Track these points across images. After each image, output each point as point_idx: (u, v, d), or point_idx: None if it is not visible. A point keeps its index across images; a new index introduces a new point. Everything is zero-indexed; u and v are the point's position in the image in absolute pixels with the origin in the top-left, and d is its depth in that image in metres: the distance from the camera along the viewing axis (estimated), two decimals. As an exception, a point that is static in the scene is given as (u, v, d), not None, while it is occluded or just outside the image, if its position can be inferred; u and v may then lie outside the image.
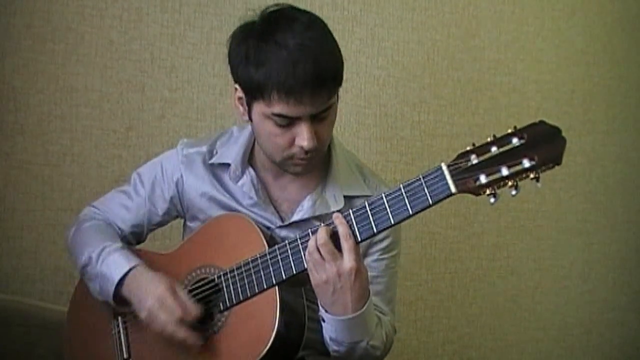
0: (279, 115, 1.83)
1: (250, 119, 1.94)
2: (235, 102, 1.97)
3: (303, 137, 1.85)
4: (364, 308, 1.82)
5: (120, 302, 2.02)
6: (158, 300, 1.90)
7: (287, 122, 1.85)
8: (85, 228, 2.17)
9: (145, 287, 1.94)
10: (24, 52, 2.70)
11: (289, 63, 1.79)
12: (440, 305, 3.25)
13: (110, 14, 2.78)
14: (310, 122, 1.85)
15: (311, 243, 1.79)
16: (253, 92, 1.86)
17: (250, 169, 2.06)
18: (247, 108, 1.93)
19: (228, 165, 2.08)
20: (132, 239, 2.21)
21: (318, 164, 2.03)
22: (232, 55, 1.92)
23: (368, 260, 2.04)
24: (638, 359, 3.67)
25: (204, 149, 2.13)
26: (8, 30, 2.69)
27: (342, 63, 1.90)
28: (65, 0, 2.73)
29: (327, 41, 1.89)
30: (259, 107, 1.87)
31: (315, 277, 1.79)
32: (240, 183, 2.05)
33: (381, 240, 2.04)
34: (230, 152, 2.09)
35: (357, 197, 2.05)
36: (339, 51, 1.90)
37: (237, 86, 1.94)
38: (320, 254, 1.77)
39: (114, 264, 2.01)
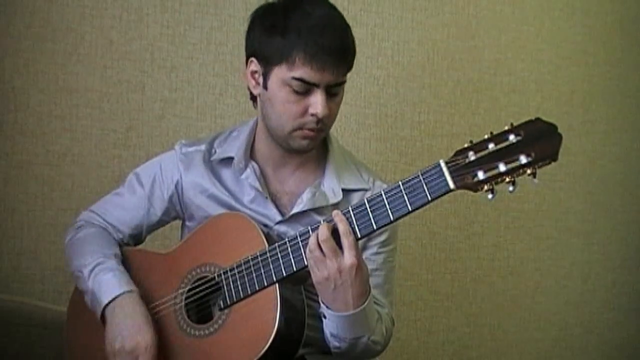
0: (299, 79, 1.90)
1: (265, 87, 1.97)
2: (247, 76, 2.03)
3: (317, 105, 1.91)
4: (365, 304, 1.84)
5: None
6: (134, 350, 1.91)
7: (305, 89, 1.91)
8: (81, 238, 2.17)
9: (128, 324, 1.94)
10: (24, 52, 2.71)
11: (318, 29, 1.88)
12: (440, 305, 3.25)
13: (110, 14, 2.78)
14: (325, 93, 1.92)
15: (312, 240, 1.80)
16: (275, 57, 1.92)
17: (253, 162, 2.08)
18: (262, 79, 1.98)
19: (229, 161, 2.10)
20: (131, 241, 2.22)
21: (316, 147, 2.06)
22: (255, 28, 2.00)
23: (366, 254, 2.06)
24: (638, 359, 3.66)
25: (203, 147, 2.16)
26: (8, 30, 2.69)
27: (356, 46, 2.00)
28: (65, 0, 2.73)
29: (348, 24, 1.99)
30: (279, 72, 1.92)
31: (317, 274, 1.81)
32: (244, 175, 2.07)
33: (379, 234, 2.06)
34: (232, 147, 2.11)
35: (355, 190, 2.08)
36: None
37: (252, 59, 2.00)
38: (321, 251, 1.78)
39: (106, 285, 2.01)
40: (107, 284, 2.00)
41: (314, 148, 2.03)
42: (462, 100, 3.24)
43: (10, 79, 2.70)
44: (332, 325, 1.88)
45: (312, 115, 1.92)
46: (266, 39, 1.94)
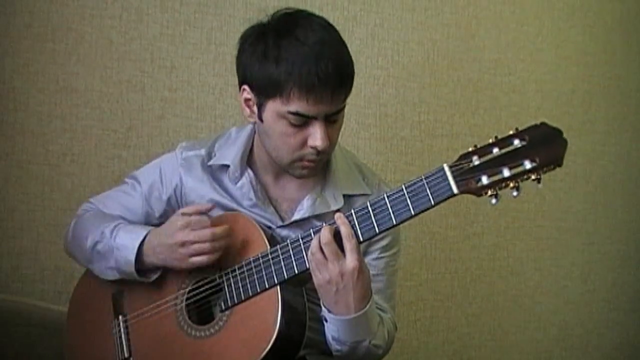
0: (295, 113, 1.84)
1: (261, 119, 1.93)
2: (241, 104, 1.97)
3: (317, 137, 1.86)
4: (367, 307, 1.83)
5: (141, 271, 2.03)
6: (184, 227, 1.92)
7: (302, 122, 1.85)
8: (89, 216, 2.19)
9: (165, 233, 1.97)
10: (24, 52, 2.70)
11: (312, 59, 1.80)
12: (440, 305, 3.25)
13: (110, 14, 2.78)
14: (324, 123, 1.86)
15: (314, 243, 1.80)
16: (269, 90, 1.85)
17: (249, 170, 2.06)
18: (256, 109, 1.92)
19: (227, 166, 2.08)
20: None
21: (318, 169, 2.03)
22: (245, 54, 1.92)
23: (368, 259, 2.05)
24: (638, 359, 3.67)
25: (203, 151, 2.14)
26: (8, 30, 2.69)
27: (354, 66, 1.92)
28: (65, 0, 2.73)
29: (343, 42, 1.91)
30: (274, 106, 1.87)
31: (318, 277, 1.80)
32: (239, 184, 2.05)
33: (381, 239, 2.05)
34: (229, 153, 2.09)
35: (357, 195, 2.07)
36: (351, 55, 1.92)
37: (245, 87, 1.93)
38: (323, 254, 1.78)
39: (130, 232, 2.03)
40: (132, 231, 2.04)
41: (314, 175, 2.01)
42: (462, 100, 3.24)
43: (10, 79, 2.70)
44: (333, 329, 1.88)
45: (312, 147, 1.88)
46: (258, 68, 1.87)
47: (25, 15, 2.70)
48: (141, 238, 2.00)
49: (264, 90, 1.87)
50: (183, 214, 1.95)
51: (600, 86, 3.51)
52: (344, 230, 1.77)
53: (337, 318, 1.84)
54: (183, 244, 1.91)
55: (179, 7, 2.85)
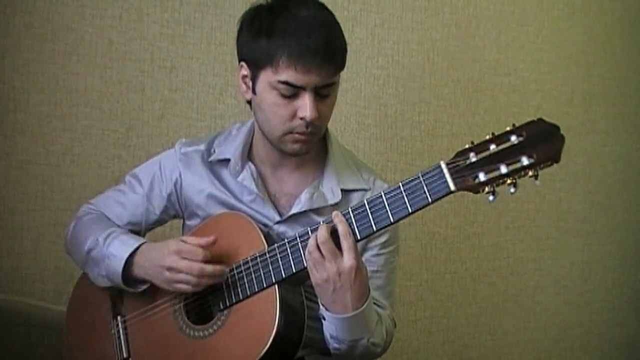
0: (285, 82, 1.87)
1: (254, 92, 1.96)
2: (239, 81, 2.02)
3: (305, 108, 1.89)
4: (364, 306, 1.83)
5: (129, 281, 2.03)
6: (176, 253, 1.91)
7: (292, 92, 1.89)
8: (88, 219, 2.19)
9: (157, 252, 1.96)
10: (24, 52, 2.70)
11: (302, 31, 1.85)
12: (440, 305, 3.25)
13: (110, 14, 2.78)
14: (313, 95, 1.89)
15: (311, 242, 1.80)
16: (261, 61, 1.90)
17: (250, 164, 2.08)
18: (251, 83, 1.96)
19: (227, 161, 2.09)
20: (130, 238, 2.22)
21: (315, 148, 2.05)
22: (243, 32, 1.99)
23: (367, 255, 2.05)
24: (638, 359, 3.66)
25: (202, 147, 2.15)
26: (8, 30, 2.69)
27: (346, 45, 1.97)
28: (65, 0, 2.73)
29: (337, 22, 1.96)
30: (265, 76, 1.91)
31: (316, 276, 1.80)
32: (240, 177, 2.07)
33: (380, 236, 2.05)
34: (230, 148, 2.11)
35: (354, 190, 2.07)
36: (344, 35, 1.97)
37: (242, 64, 1.98)
38: (321, 253, 1.78)
39: (122, 243, 2.04)
40: (124, 242, 2.04)
41: (308, 152, 2.01)
42: (462, 100, 3.24)
43: (10, 79, 2.70)
44: (331, 327, 1.88)
45: (301, 118, 1.90)
46: (252, 43, 1.93)
47: (25, 15, 2.70)
48: (132, 250, 2.01)
49: (257, 62, 1.92)
50: (181, 240, 1.95)
51: (600, 86, 3.52)
52: (341, 228, 1.77)
53: (334, 316, 1.84)
54: (170, 269, 1.92)
55: (179, 7, 2.85)
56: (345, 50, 1.95)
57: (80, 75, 2.76)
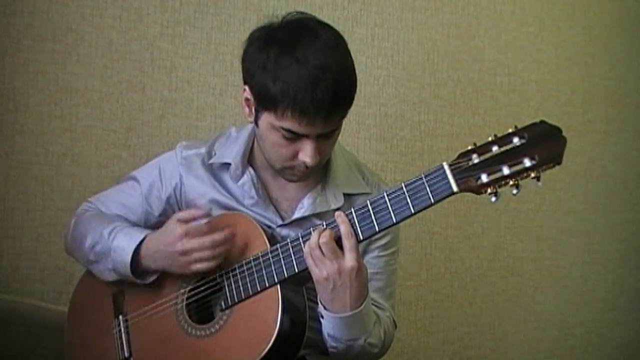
0: (287, 130, 1.84)
1: (256, 124, 1.94)
2: (242, 102, 1.98)
3: (307, 154, 1.86)
4: (362, 306, 1.84)
5: (137, 273, 2.02)
6: (183, 236, 1.91)
7: (294, 137, 1.86)
8: (89, 216, 2.18)
9: (164, 240, 1.96)
10: (24, 52, 2.70)
11: (308, 84, 1.78)
12: (440, 305, 3.25)
13: (110, 14, 2.78)
14: (316, 141, 1.86)
15: (313, 239, 1.80)
16: (265, 102, 1.85)
17: (250, 169, 2.06)
18: (254, 113, 1.93)
19: (228, 165, 2.08)
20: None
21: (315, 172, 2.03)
22: (250, 58, 1.91)
23: (368, 257, 2.05)
24: (638, 359, 3.66)
25: (203, 150, 2.14)
26: (8, 30, 2.69)
27: (357, 85, 1.90)
28: (65, 0, 2.73)
29: (348, 63, 1.89)
30: (268, 117, 1.87)
31: (316, 273, 1.81)
32: (240, 182, 2.06)
33: (380, 238, 2.05)
34: (230, 152, 2.09)
35: (357, 194, 2.07)
36: (355, 73, 1.90)
37: (246, 87, 1.93)
38: (322, 251, 1.78)
39: (128, 235, 2.03)
40: (129, 234, 2.03)
41: (307, 180, 2.01)
42: (462, 100, 3.24)
43: (10, 79, 2.70)
44: (329, 326, 1.88)
45: (302, 162, 1.89)
46: (259, 76, 1.86)
47: (25, 15, 2.70)
48: (138, 241, 2.00)
49: (261, 100, 1.87)
50: (179, 221, 1.94)
51: (600, 86, 3.52)
52: (344, 228, 1.78)
53: (332, 315, 1.85)
54: (184, 253, 1.91)
55: (179, 7, 2.85)
56: (353, 94, 1.89)
57: (80, 75, 2.77)
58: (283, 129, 1.84)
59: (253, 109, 1.94)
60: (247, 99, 1.95)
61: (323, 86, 1.78)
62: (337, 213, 1.80)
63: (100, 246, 2.06)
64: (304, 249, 1.83)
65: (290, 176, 1.96)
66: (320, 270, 1.79)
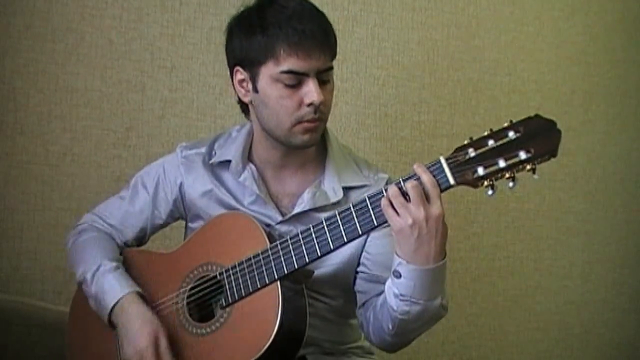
0: (288, 71, 1.89)
1: (256, 90, 1.96)
2: (236, 87, 2.02)
3: (312, 93, 1.90)
4: (445, 259, 1.77)
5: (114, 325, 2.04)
6: (137, 354, 1.93)
7: (296, 81, 1.90)
8: (83, 242, 2.18)
9: (130, 329, 1.97)
10: (24, 52, 2.71)
11: (295, 19, 1.89)
12: (440, 305, 3.24)
13: (110, 14, 2.78)
14: (316, 80, 1.91)
15: (394, 187, 1.73)
16: (260, 56, 1.92)
17: (251, 165, 2.08)
18: (251, 84, 1.97)
19: (228, 163, 2.10)
20: (134, 243, 2.23)
21: (317, 146, 2.07)
22: (234, 37, 2.00)
23: (372, 240, 2.03)
24: (638, 359, 3.66)
25: (203, 150, 2.17)
26: (8, 30, 2.69)
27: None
28: (65, 0, 2.74)
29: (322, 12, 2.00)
30: (266, 71, 1.92)
31: (399, 222, 1.71)
32: (242, 178, 2.07)
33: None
34: (230, 150, 2.12)
35: (355, 187, 2.07)
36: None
37: (237, 68, 2.00)
38: (405, 198, 1.71)
39: (109, 288, 2.03)
40: (109, 287, 2.02)
41: (316, 143, 2.01)
42: (462, 100, 3.24)
43: (10, 79, 2.70)
44: (407, 284, 1.77)
45: (309, 105, 1.91)
46: (247, 42, 1.94)
47: (25, 15, 2.70)
48: (115, 300, 2.01)
49: (256, 59, 1.93)
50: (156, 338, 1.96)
51: (600, 86, 3.52)
52: (426, 178, 1.70)
53: (415, 268, 1.75)
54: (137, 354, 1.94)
55: (179, 7, 2.85)
56: (335, 36, 1.99)
57: (80, 75, 2.77)
58: (283, 72, 1.89)
59: (249, 84, 1.98)
60: (240, 81, 2.01)
61: (307, 19, 1.91)
62: (415, 165, 1.74)
63: (85, 287, 2.08)
64: (304, 248, 1.83)
65: (302, 136, 1.96)
66: (404, 217, 1.70)
